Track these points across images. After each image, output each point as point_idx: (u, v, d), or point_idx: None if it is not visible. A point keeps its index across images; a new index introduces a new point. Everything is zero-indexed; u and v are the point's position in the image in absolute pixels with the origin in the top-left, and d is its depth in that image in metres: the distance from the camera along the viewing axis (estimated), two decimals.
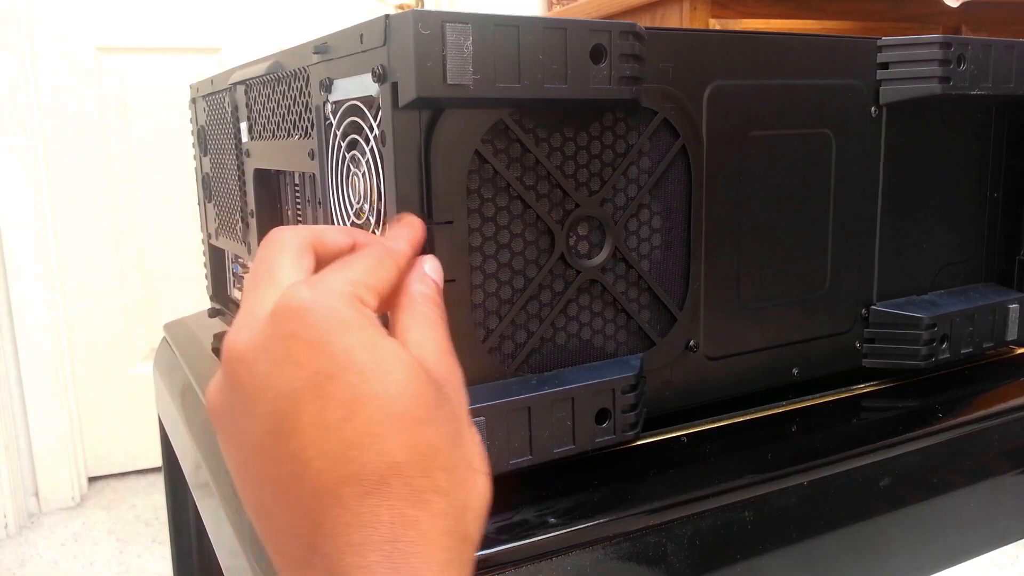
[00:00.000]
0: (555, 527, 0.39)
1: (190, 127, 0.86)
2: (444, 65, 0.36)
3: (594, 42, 0.40)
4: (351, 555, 0.27)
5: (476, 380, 0.41)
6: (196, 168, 0.86)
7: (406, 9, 1.72)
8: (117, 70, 1.88)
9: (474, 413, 0.39)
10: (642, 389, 0.45)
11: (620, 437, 0.44)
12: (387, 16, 0.37)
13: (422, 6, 1.72)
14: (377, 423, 0.28)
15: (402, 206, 0.38)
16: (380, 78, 0.38)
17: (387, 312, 0.34)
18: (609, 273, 0.45)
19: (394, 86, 0.37)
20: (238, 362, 0.30)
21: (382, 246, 0.34)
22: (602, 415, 0.43)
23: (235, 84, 0.64)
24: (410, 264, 0.36)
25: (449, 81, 0.36)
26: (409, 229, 0.37)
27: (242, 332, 0.31)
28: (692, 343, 0.49)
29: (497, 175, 0.41)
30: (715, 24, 1.06)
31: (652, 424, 0.48)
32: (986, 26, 1.28)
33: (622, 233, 0.45)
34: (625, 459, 0.45)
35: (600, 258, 0.44)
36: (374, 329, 0.30)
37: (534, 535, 0.39)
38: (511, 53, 0.38)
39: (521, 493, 0.41)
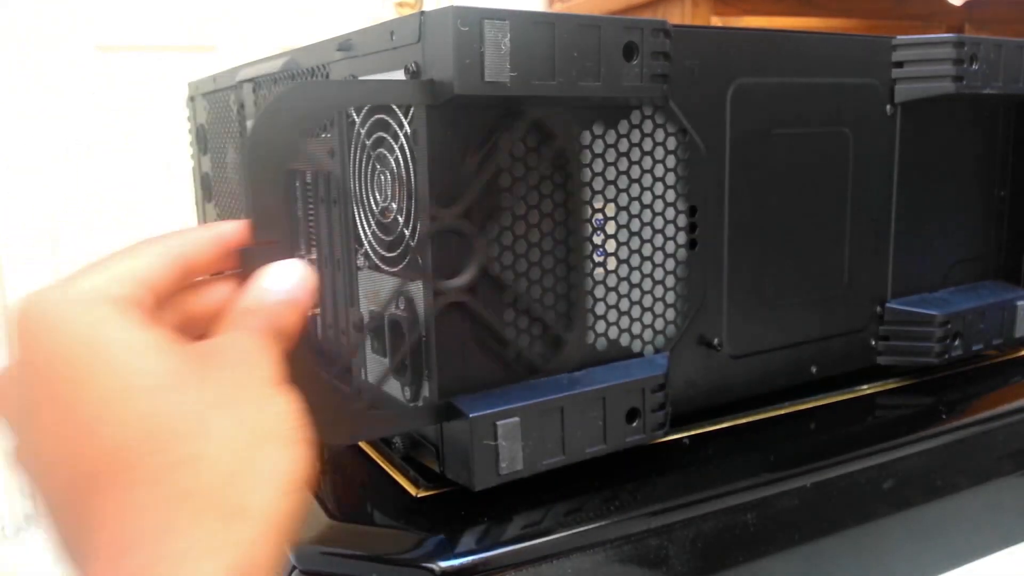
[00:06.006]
0: (556, 530, 0.39)
1: (187, 125, 0.85)
2: (482, 63, 0.36)
3: (627, 39, 0.40)
4: (88, 571, 0.24)
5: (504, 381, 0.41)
6: (194, 167, 0.85)
7: (406, 7, 1.70)
8: (114, 68, 1.86)
9: (508, 414, 0.39)
10: (669, 388, 0.45)
11: (650, 436, 0.43)
12: (422, 13, 0.37)
13: (421, 6, 1.71)
14: (97, 405, 0.25)
15: (436, 204, 0.38)
16: (413, 75, 0.38)
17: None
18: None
19: (429, 83, 0.37)
20: None
21: (156, 239, 0.31)
22: (632, 414, 0.43)
23: (243, 82, 0.63)
24: (212, 256, 0.32)
25: (487, 79, 0.36)
26: (215, 230, 0.33)
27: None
28: (716, 341, 0.49)
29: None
30: (717, 21, 1.06)
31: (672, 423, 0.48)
32: (989, 24, 1.29)
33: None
34: (626, 461, 0.45)
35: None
36: (101, 315, 0.26)
37: (535, 538, 0.38)
38: (547, 50, 0.37)
39: (521, 496, 0.41)
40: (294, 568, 0.39)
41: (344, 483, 0.47)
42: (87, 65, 1.84)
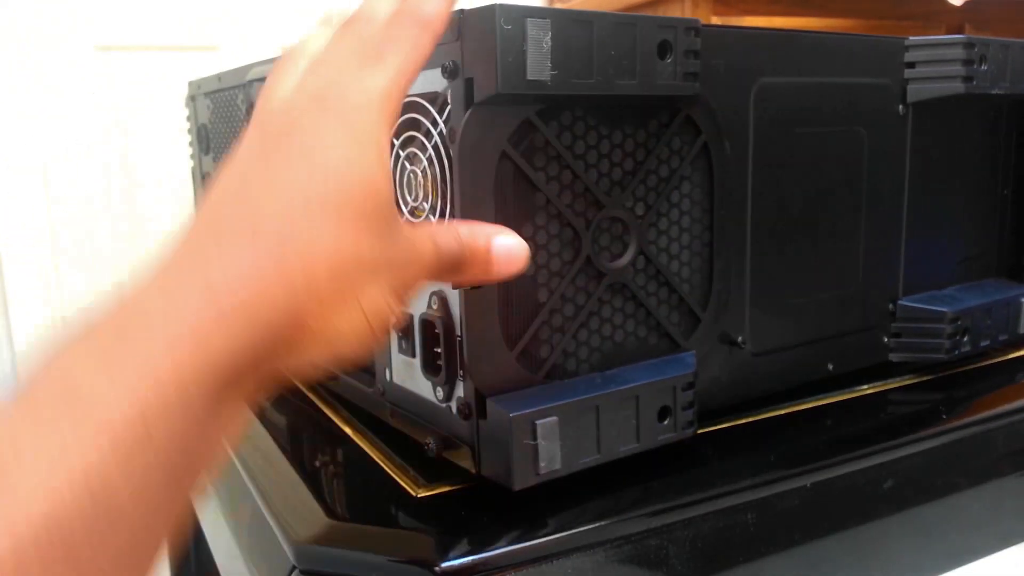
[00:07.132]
0: (556, 530, 0.39)
1: (186, 125, 0.84)
2: (525, 61, 0.35)
3: (661, 38, 0.40)
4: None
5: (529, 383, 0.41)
6: (194, 167, 0.84)
7: None
8: (114, 68, 1.84)
9: (546, 413, 0.38)
10: (697, 386, 0.45)
11: (680, 434, 0.44)
12: (461, 11, 0.36)
13: None
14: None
15: (472, 205, 0.38)
16: (452, 74, 0.37)
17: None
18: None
19: (468, 82, 0.37)
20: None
21: None
22: (663, 412, 0.43)
23: (253, 80, 0.63)
24: None
25: (529, 77, 0.36)
26: None
27: None
28: (740, 339, 0.49)
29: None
30: (716, 21, 1.06)
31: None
32: (989, 24, 1.30)
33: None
34: (626, 462, 0.44)
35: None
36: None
37: (534, 538, 0.38)
38: (585, 49, 0.37)
39: (521, 496, 0.40)
40: (294, 568, 0.39)
41: (344, 483, 0.47)
42: (87, 65, 1.82)
